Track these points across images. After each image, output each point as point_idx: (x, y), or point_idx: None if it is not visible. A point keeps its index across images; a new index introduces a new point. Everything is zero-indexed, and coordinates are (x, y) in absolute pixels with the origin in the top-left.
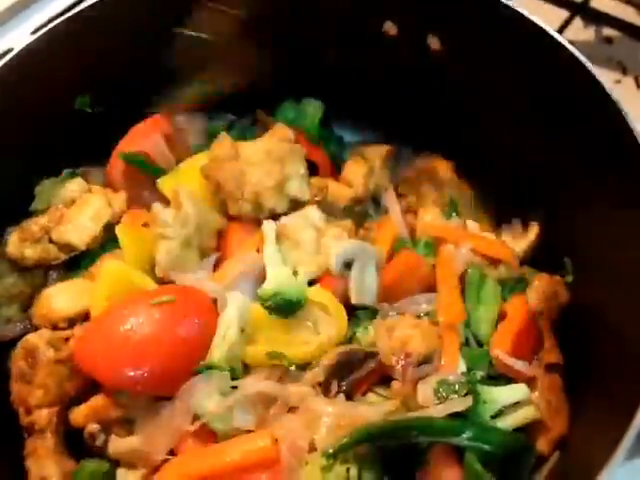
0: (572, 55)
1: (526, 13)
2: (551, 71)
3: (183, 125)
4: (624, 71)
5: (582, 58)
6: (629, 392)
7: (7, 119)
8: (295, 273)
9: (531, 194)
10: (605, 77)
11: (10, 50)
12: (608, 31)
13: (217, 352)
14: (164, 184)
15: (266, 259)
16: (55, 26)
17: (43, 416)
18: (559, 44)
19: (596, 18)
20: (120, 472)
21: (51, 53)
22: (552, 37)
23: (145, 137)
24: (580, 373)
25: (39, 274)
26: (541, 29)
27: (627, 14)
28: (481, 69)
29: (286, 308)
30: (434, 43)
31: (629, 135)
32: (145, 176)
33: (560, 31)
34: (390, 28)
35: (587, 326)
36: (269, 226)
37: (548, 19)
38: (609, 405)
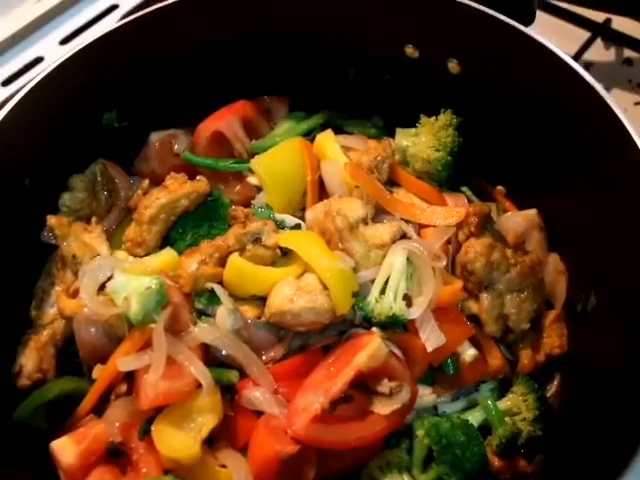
0: (586, 82)
1: (540, 39)
2: (566, 96)
3: (266, 109)
4: None
5: (596, 84)
6: None
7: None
8: None
9: None
10: (625, 99)
11: (40, 59)
12: (629, 53)
13: None
14: (258, 163)
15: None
16: (87, 45)
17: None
18: (573, 70)
19: (617, 39)
20: None
21: (82, 69)
22: (566, 63)
23: (222, 119)
24: None
25: None
26: (556, 55)
27: None
28: (495, 90)
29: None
30: (453, 67)
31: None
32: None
33: (581, 52)
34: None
35: None
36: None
37: (569, 40)
38: None
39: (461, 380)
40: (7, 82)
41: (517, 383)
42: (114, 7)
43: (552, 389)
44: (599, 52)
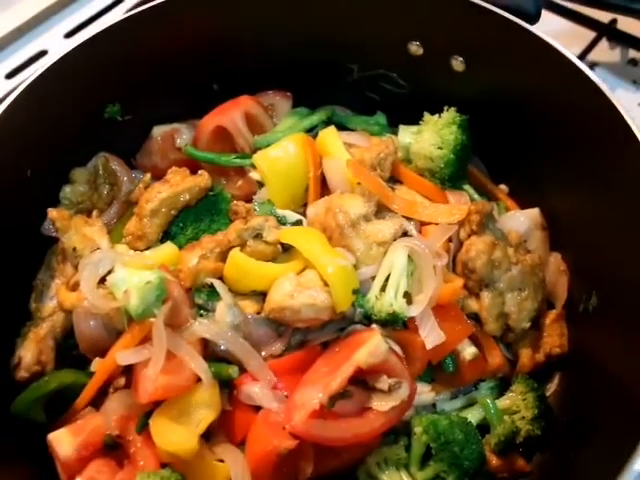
0: (591, 81)
1: (546, 37)
2: (571, 95)
3: (269, 105)
4: None
5: (601, 84)
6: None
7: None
8: None
9: None
10: (629, 99)
11: (44, 52)
12: (634, 53)
13: None
14: (260, 159)
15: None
16: (91, 38)
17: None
18: (578, 69)
19: (622, 40)
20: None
21: (85, 63)
22: (572, 62)
23: (225, 114)
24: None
25: None
26: (561, 54)
27: None
28: (499, 89)
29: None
30: (458, 65)
31: None
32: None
33: (586, 52)
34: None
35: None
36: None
37: (575, 40)
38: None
39: (461, 378)
40: (11, 75)
41: (517, 382)
42: (119, 1)
43: (552, 388)
44: (604, 52)
